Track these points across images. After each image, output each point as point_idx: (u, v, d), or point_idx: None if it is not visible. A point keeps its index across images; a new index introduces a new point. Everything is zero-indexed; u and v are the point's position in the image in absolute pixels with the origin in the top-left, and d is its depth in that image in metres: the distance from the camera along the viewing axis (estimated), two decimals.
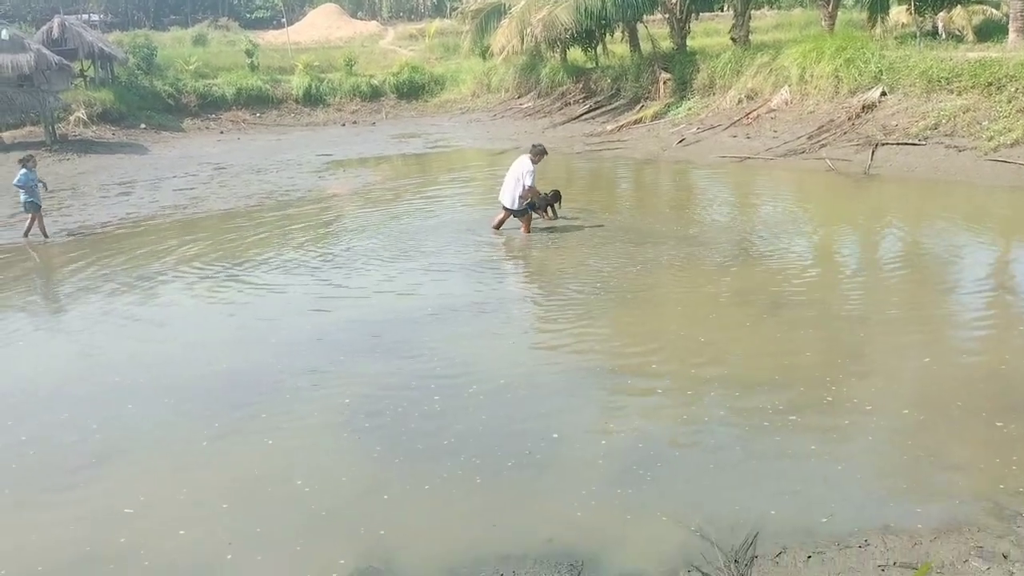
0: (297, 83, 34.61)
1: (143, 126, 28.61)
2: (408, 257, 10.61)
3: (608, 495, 4.79)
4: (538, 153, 11.42)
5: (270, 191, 16.95)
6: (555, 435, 5.55)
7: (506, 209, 11.43)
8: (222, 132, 30.60)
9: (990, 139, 14.51)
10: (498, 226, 11.63)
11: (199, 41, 41.71)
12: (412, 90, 36.47)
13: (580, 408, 6.04)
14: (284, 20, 51.77)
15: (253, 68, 34.88)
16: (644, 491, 4.83)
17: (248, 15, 70.42)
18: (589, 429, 5.64)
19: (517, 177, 11.13)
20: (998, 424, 5.35)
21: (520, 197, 11.19)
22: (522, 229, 11.41)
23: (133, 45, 32.61)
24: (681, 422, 5.72)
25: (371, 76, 36.58)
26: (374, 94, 35.84)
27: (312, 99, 34.68)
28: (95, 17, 53.05)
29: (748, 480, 4.90)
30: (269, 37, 45.88)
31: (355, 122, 33.18)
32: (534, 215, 11.60)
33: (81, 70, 28.92)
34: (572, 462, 5.22)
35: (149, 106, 30.35)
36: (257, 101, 33.62)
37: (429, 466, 5.21)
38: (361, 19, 61.63)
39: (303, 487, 5.05)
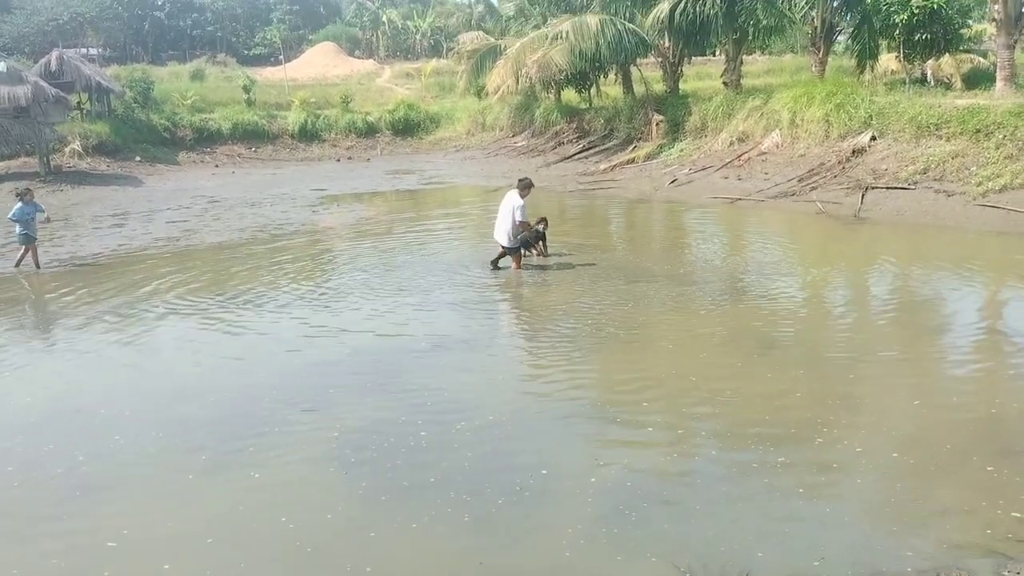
0: (293, 119, 34.86)
1: (138, 159, 28.69)
2: (400, 292, 10.61)
3: (597, 535, 4.75)
4: (525, 187, 11.48)
5: (264, 224, 16.98)
6: (544, 472, 5.51)
7: (502, 246, 11.47)
8: (217, 166, 30.73)
9: (979, 184, 14.68)
10: (496, 261, 11.62)
11: (196, 76, 42.05)
12: (407, 127, 36.76)
13: (570, 446, 6.01)
14: (282, 57, 52.27)
15: (250, 103, 35.15)
16: (634, 531, 4.79)
17: (246, 52, 71.24)
18: (578, 467, 5.60)
19: (508, 213, 11.19)
20: (988, 468, 5.34)
21: (514, 233, 11.24)
22: (513, 265, 11.45)
23: (130, 79, 32.88)
24: (671, 462, 5.70)
25: (367, 113, 36.88)
26: (369, 130, 36.11)
27: (308, 135, 34.90)
28: (93, 51, 53.60)
29: (738, 521, 4.87)
30: (267, 73, 46.27)
31: (350, 158, 33.37)
32: (524, 252, 11.66)
33: (78, 103, 29.07)
34: (561, 500, 5.18)
35: (145, 139, 30.47)
36: (253, 136, 33.82)
37: (417, 503, 5.16)
38: (358, 57, 62.31)
39: (288, 523, 4.99)
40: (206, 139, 32.74)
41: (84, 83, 28.25)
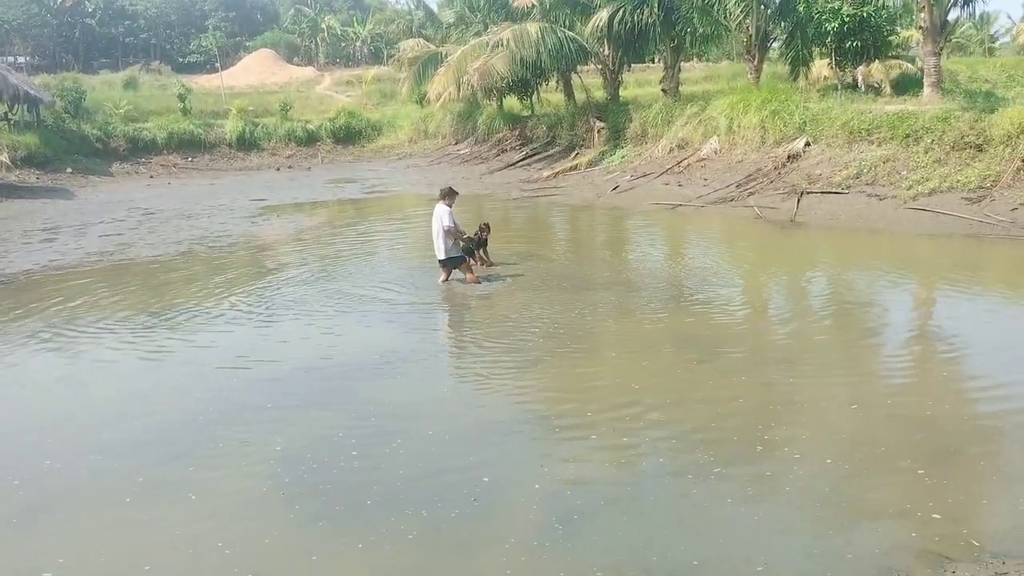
0: (231, 127, 34.26)
1: (69, 170, 27.87)
2: (342, 306, 10.46)
3: (542, 546, 4.73)
4: (447, 194, 11.32)
5: (201, 237, 16.62)
6: (489, 483, 5.47)
7: (443, 263, 11.27)
8: (152, 176, 30.03)
9: (909, 188, 15.12)
10: (447, 279, 11.41)
11: (130, 85, 41.09)
12: (349, 135, 36.44)
13: (514, 457, 5.98)
14: (218, 64, 51.35)
15: (185, 112, 34.46)
16: (578, 540, 4.78)
17: (181, 59, 69.92)
18: (523, 478, 5.57)
19: (438, 227, 11.08)
20: (919, 472, 5.46)
21: (450, 243, 11.12)
22: (467, 279, 11.26)
23: (61, 88, 31.93)
24: (616, 470, 5.70)
25: (307, 121, 36.46)
26: (310, 139, 35.68)
27: (246, 144, 34.33)
28: (21, 59, 51.93)
29: (684, 528, 4.90)
30: (202, 81, 45.43)
31: (290, 167, 32.92)
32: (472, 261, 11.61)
33: (5, 113, 28.13)
34: (506, 513, 5.15)
35: (76, 150, 29.63)
36: (189, 145, 33.15)
37: (359, 522, 5.07)
38: (297, 64, 61.59)
39: (224, 549, 4.85)
40: (140, 149, 31.99)
41: (11, 93, 27.30)
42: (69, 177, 27.38)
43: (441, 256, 11.17)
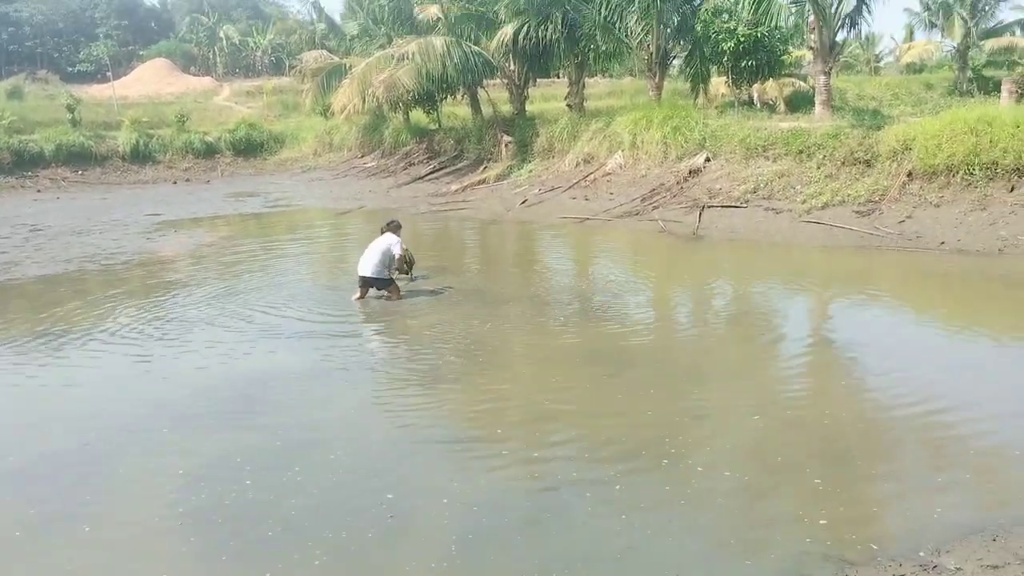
0: (124, 139, 32.99)
1: None
2: (244, 324, 10.13)
3: (454, 565, 4.65)
4: (397, 228, 11.52)
5: (93, 254, 15.86)
6: (398, 504, 5.35)
7: (367, 279, 10.99)
8: (39, 191, 28.61)
9: (803, 202, 15.73)
10: (362, 297, 11.15)
11: (14, 95, 39.17)
12: (249, 147, 35.60)
13: (424, 475, 5.87)
14: (110, 74, 49.40)
15: (75, 123, 33.00)
16: (492, 557, 4.73)
17: (70, 68, 67.07)
18: (433, 496, 5.47)
19: (380, 250, 10.96)
20: (818, 478, 5.62)
21: (388, 267, 11.04)
22: (393, 297, 11.08)
23: None
24: (527, 485, 5.67)
25: (205, 133, 35.45)
26: (208, 151, 34.69)
27: (140, 156, 33.11)
28: None
29: (591, 544, 4.90)
30: (93, 91, 43.68)
31: (188, 180, 31.91)
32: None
33: None
34: (416, 532, 5.05)
35: None
36: (79, 158, 31.74)
37: (265, 552, 4.88)
38: (194, 74, 59.89)
39: None
40: (27, 162, 30.47)
41: None
42: None
43: (368, 273, 10.92)
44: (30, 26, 70.35)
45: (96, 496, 5.69)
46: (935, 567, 4.55)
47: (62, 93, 37.77)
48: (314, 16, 40.95)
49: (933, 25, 35.27)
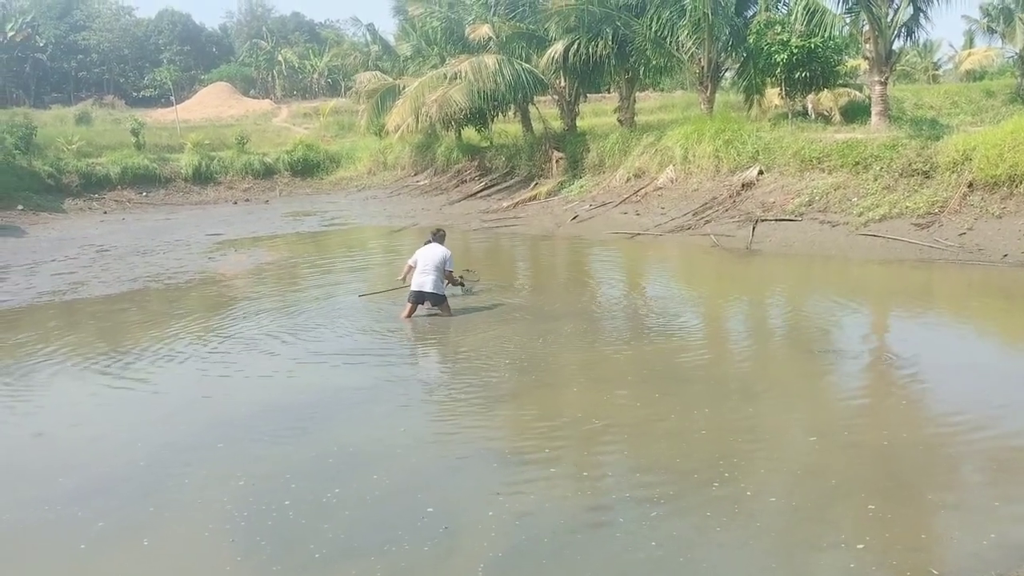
0: (186, 161, 33.97)
1: (20, 207, 27.34)
2: (301, 341, 10.33)
3: None
4: (442, 237, 11.52)
5: (156, 274, 16.36)
6: (443, 520, 5.40)
7: (422, 294, 11.06)
8: (106, 212, 29.57)
9: (860, 215, 15.46)
10: (410, 314, 11.22)
11: (82, 120, 40.66)
12: (307, 168, 36.34)
13: (475, 493, 5.89)
14: (172, 98, 50.94)
15: (139, 147, 34.11)
16: (530, 571, 4.75)
17: (135, 93, 69.35)
18: (485, 514, 5.50)
19: (437, 264, 11.01)
20: (877, 502, 5.49)
21: (444, 281, 11.16)
22: (444, 314, 11.15)
23: (10, 124, 31.38)
24: (576, 506, 5.64)
25: (264, 154, 36.28)
26: (267, 172, 35.51)
27: (202, 177, 34.06)
28: None
29: (639, 562, 4.87)
30: (157, 115, 45.08)
31: (247, 200, 32.68)
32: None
33: None
34: (461, 550, 5.07)
35: (27, 187, 29.06)
36: (144, 180, 32.76)
37: (315, 572, 4.97)
38: (254, 97, 61.39)
39: None
40: (94, 185, 31.53)
41: None
42: (20, 215, 26.86)
43: (428, 289, 10.99)
44: (97, 53, 72.94)
45: (156, 509, 5.85)
46: None
47: (127, 117, 39.12)
48: (368, 38, 41.75)
49: (993, 31, 34.40)
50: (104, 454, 7.07)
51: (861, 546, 4.97)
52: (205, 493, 6.10)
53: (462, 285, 12.20)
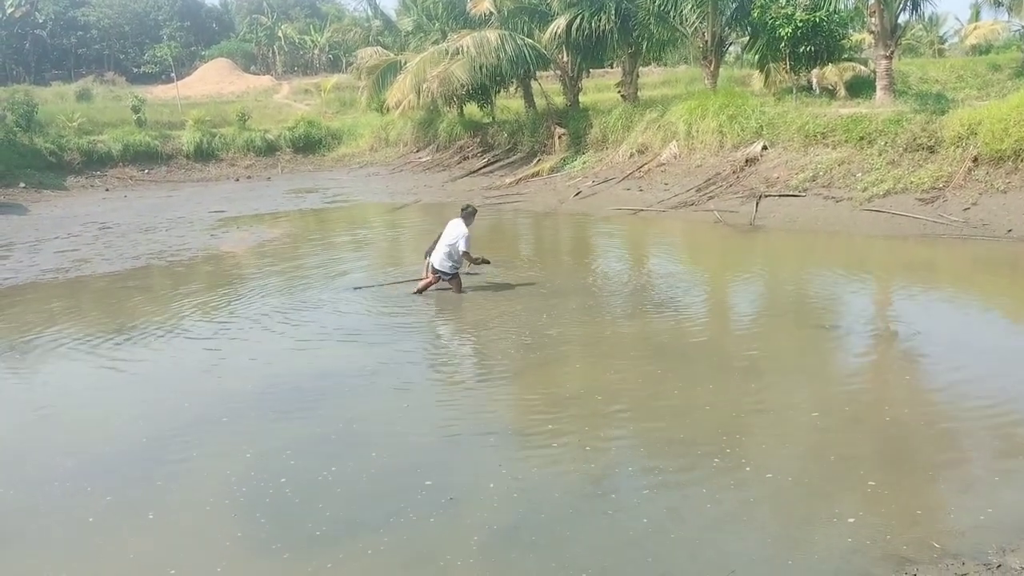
0: (188, 138, 33.89)
1: (22, 185, 27.35)
2: (305, 318, 10.36)
3: (499, 558, 4.71)
4: (470, 215, 11.12)
5: (159, 251, 16.38)
6: (452, 495, 5.43)
7: (436, 271, 11.07)
8: (108, 189, 29.55)
9: (864, 190, 15.39)
10: (421, 291, 11.21)
11: (83, 97, 40.46)
12: (308, 144, 36.22)
13: (481, 468, 5.93)
14: (173, 75, 50.67)
15: (141, 123, 34.02)
16: (536, 554, 4.77)
17: (135, 69, 68.94)
18: (490, 487, 5.55)
19: (448, 242, 10.88)
20: (880, 476, 5.52)
21: (455, 260, 10.97)
22: (454, 290, 11.14)
23: (11, 101, 31.29)
24: (580, 480, 5.68)
25: (266, 130, 36.17)
26: (269, 149, 35.42)
27: (204, 154, 33.99)
28: None
29: (642, 534, 4.91)
30: (158, 92, 44.88)
31: (249, 177, 32.62)
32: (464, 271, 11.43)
33: None
34: (463, 526, 5.10)
35: (29, 164, 29.07)
36: (145, 157, 32.72)
37: (318, 548, 5.00)
38: (255, 73, 61.03)
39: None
40: (95, 162, 31.51)
41: None
42: (22, 192, 26.86)
43: (435, 265, 10.95)
44: (97, 30, 72.44)
45: (161, 484, 5.91)
46: (999, 567, 4.46)
47: (128, 94, 38.96)
48: (370, 13, 41.35)
49: (1000, 4, 34.07)
50: (110, 430, 7.11)
51: (858, 521, 5.00)
52: (210, 467, 6.14)
53: (486, 263, 11.55)
